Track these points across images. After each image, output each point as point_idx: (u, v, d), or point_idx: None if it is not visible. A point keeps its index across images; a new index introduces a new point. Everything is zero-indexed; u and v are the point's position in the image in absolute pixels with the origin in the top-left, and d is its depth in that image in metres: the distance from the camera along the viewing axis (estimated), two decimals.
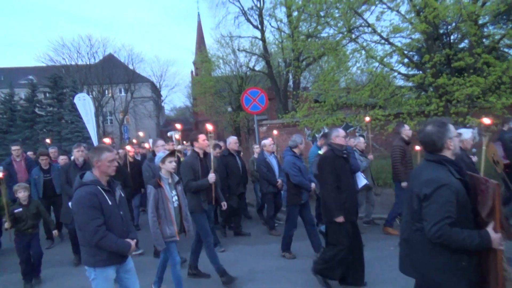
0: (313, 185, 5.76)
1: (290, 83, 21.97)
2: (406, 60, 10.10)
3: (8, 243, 6.53)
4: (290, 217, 5.58)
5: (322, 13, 10.50)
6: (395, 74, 10.21)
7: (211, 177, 4.85)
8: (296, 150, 5.66)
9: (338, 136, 4.40)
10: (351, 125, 12.27)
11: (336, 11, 10.04)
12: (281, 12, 18.09)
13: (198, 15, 51.07)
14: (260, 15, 21.81)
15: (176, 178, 4.34)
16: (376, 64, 9.84)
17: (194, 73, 44.15)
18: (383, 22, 9.50)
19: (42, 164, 7.21)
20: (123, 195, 3.32)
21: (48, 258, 6.06)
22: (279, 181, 6.92)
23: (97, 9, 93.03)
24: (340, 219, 4.17)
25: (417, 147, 6.00)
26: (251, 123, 28.95)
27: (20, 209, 5.19)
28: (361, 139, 6.97)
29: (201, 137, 5.05)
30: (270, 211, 7.18)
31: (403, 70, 10.91)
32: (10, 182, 7.03)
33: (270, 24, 21.01)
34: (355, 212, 4.50)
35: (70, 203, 5.57)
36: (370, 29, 9.68)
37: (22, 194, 5.26)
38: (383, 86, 9.65)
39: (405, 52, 9.84)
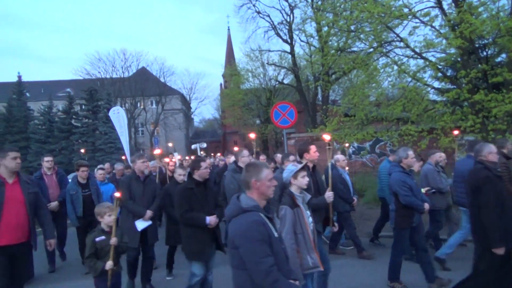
0: (426, 205, 4.95)
1: (319, 96, 21.93)
2: (439, 74, 9.87)
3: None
4: (399, 241, 4.99)
5: (352, 28, 10.46)
6: (429, 89, 9.98)
7: (329, 196, 4.09)
8: (404, 166, 4.95)
9: (491, 152, 3.86)
10: (381, 139, 12.04)
11: (367, 25, 9.97)
12: (311, 27, 18.08)
13: (228, 29, 52.12)
14: (290, 30, 22.05)
15: (308, 196, 3.64)
16: (409, 79, 9.66)
17: (223, 86, 44.94)
18: (416, 37, 9.27)
19: (81, 177, 6.37)
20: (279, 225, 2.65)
21: None
22: (355, 199, 6.44)
23: (132, 24, 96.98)
24: (501, 251, 3.59)
25: None
26: (279, 136, 29.06)
27: (103, 238, 3.78)
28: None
29: (313, 148, 4.40)
30: (352, 230, 6.50)
31: (436, 84, 10.66)
32: None
33: (299, 38, 21.14)
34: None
35: (136, 224, 5.03)
36: (402, 43, 9.54)
37: (109, 220, 3.84)
38: (416, 101, 9.44)
39: (439, 67, 9.61)
